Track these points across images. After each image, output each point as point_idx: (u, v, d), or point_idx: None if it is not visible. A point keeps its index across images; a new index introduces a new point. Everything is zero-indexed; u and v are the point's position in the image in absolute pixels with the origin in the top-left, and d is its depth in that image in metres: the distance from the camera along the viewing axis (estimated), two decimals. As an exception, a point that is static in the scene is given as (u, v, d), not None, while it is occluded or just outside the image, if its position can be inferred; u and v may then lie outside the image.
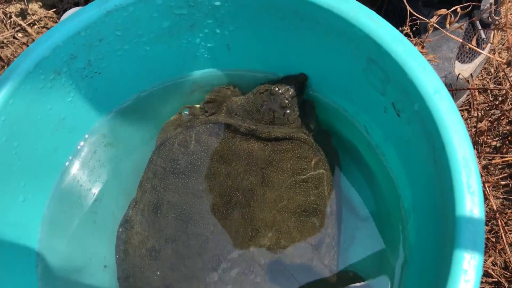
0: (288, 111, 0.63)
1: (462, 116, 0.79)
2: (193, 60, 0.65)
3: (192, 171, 0.61)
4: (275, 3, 0.53)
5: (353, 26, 0.49)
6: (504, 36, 0.81)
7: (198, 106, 0.66)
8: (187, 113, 0.67)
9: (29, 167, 0.57)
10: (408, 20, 0.63)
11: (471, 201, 0.41)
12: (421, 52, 0.65)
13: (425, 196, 0.50)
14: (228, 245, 0.58)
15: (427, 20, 0.63)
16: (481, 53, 0.68)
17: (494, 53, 0.79)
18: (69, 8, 0.98)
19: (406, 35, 0.65)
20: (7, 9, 0.96)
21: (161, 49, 0.62)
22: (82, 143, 0.66)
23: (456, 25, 0.70)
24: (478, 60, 0.80)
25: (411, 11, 0.62)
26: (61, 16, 0.97)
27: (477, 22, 0.77)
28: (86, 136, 0.66)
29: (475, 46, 0.65)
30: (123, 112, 0.68)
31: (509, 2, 0.58)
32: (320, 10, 0.50)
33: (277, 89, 0.62)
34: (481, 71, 0.84)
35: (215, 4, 0.55)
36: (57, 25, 0.54)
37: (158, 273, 0.58)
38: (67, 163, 0.65)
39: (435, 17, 0.62)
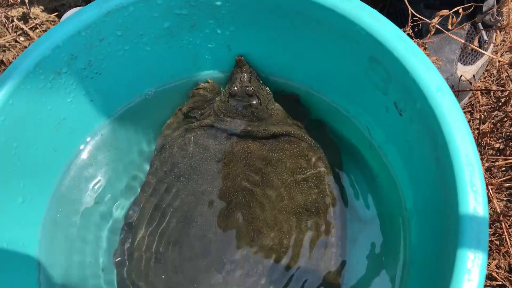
0: (258, 92, 0.63)
1: (464, 118, 0.79)
2: (193, 61, 0.65)
3: (192, 173, 0.61)
4: (276, 3, 0.53)
5: (355, 25, 0.48)
6: (507, 37, 0.81)
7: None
8: (181, 114, 0.68)
9: (28, 168, 0.57)
10: (409, 21, 0.63)
11: (474, 200, 0.40)
12: (422, 53, 0.65)
13: (428, 196, 0.49)
14: (231, 247, 0.57)
15: (428, 21, 0.62)
16: (484, 53, 0.68)
17: (496, 54, 0.78)
18: (71, 12, 0.99)
19: (408, 36, 0.65)
20: (9, 13, 0.96)
21: (161, 50, 0.62)
22: (82, 144, 0.66)
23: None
24: (480, 62, 0.79)
25: (413, 12, 0.62)
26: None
27: (479, 24, 0.76)
28: (86, 137, 0.66)
29: (477, 47, 0.65)
30: (123, 113, 0.68)
31: (511, 2, 0.58)
32: (323, 10, 0.50)
33: (234, 88, 0.63)
34: (484, 73, 0.83)
35: (216, 4, 0.55)
36: (57, 25, 0.54)
37: (163, 276, 0.58)
38: (66, 164, 0.64)
39: (436, 18, 0.62)
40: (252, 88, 0.63)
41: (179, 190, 0.61)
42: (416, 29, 0.67)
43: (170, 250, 0.58)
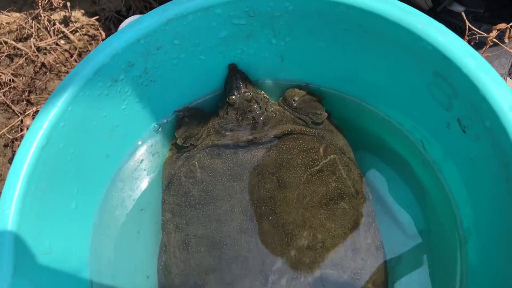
0: (256, 96, 0.63)
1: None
2: (245, 71, 0.64)
3: (207, 198, 0.60)
4: (338, 16, 0.52)
5: (421, 40, 0.47)
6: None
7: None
8: (175, 147, 0.67)
9: (82, 174, 0.57)
10: (466, 35, 0.62)
11: (553, 225, 0.39)
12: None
13: (493, 216, 0.48)
14: (268, 257, 0.56)
15: (485, 35, 0.61)
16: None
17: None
18: (111, 16, 0.99)
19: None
20: (51, 17, 0.97)
21: (215, 59, 0.62)
22: (131, 151, 0.66)
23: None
24: (529, 77, 0.78)
25: (470, 26, 0.61)
26: (99, 22, 0.98)
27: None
28: (135, 143, 0.66)
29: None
30: (172, 120, 0.68)
31: None
32: (388, 24, 0.49)
33: (232, 97, 0.62)
34: (531, 87, 0.82)
35: (275, 14, 0.55)
36: (117, 33, 0.54)
37: None
38: (116, 171, 0.65)
39: (494, 32, 0.61)
40: (250, 93, 0.62)
41: (199, 218, 0.59)
42: (472, 43, 0.66)
43: (209, 280, 0.57)
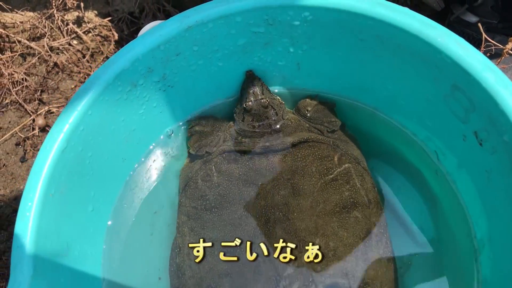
0: (272, 102, 0.63)
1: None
2: (261, 78, 0.65)
3: (223, 202, 0.60)
4: (357, 26, 0.53)
5: (440, 52, 0.48)
6: None
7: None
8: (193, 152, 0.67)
9: (99, 177, 0.58)
10: (482, 46, 0.62)
11: None
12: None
13: (508, 228, 0.49)
14: (280, 263, 0.57)
15: (502, 46, 0.62)
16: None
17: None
18: (124, 18, 1.00)
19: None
20: (65, 17, 0.98)
21: (232, 66, 0.62)
22: (146, 155, 0.67)
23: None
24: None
25: (487, 38, 0.61)
26: (114, 26, 0.98)
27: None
28: (150, 147, 0.67)
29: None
30: (187, 126, 0.68)
31: None
32: (407, 36, 0.49)
33: (249, 103, 0.63)
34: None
35: (294, 23, 0.55)
36: (137, 38, 0.54)
37: None
38: (131, 174, 0.65)
39: (510, 43, 0.61)
40: (267, 100, 0.63)
41: (215, 222, 0.60)
42: (488, 54, 0.66)
43: (222, 283, 0.57)
